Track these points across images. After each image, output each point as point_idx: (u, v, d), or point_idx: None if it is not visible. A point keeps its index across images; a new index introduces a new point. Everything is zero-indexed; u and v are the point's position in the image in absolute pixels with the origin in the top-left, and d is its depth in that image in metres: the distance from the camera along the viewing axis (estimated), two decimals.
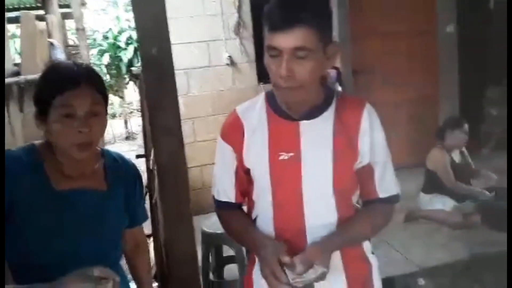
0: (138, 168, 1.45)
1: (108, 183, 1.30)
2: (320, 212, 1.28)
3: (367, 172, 1.31)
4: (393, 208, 1.38)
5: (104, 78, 9.27)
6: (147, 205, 2.37)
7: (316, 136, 1.27)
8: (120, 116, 10.70)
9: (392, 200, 1.35)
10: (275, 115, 1.30)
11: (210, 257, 2.86)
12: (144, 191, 1.80)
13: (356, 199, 1.37)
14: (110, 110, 10.74)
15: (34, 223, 1.17)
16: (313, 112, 1.27)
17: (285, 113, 1.28)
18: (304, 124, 1.27)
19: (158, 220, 2.64)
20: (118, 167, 1.35)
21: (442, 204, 3.58)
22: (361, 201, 1.38)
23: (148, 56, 2.12)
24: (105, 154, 1.35)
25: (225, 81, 4.25)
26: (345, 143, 1.26)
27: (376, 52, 4.48)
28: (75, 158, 1.19)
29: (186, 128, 4.00)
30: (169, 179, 2.20)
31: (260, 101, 1.35)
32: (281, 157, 1.27)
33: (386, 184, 1.33)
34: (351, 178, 1.31)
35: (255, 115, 1.32)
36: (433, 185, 3.67)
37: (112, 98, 10.16)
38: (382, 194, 1.33)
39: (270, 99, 1.32)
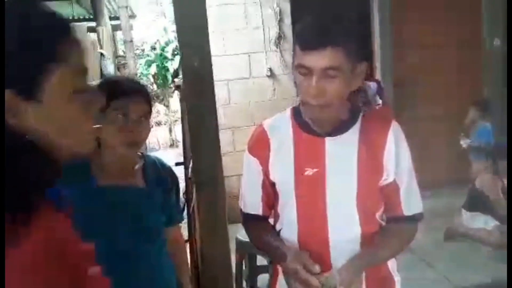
0: (177, 175, 1.57)
1: (146, 182, 1.43)
2: (343, 228, 1.29)
3: (392, 189, 1.30)
4: (417, 226, 1.37)
5: (151, 87, 9.61)
6: (185, 212, 2.44)
7: (341, 152, 1.28)
8: (165, 124, 11.01)
9: (417, 218, 1.34)
10: (301, 130, 1.32)
11: (244, 265, 2.89)
12: (182, 198, 1.89)
13: (381, 215, 1.37)
14: (155, 118, 11.08)
15: (79, 217, 1.27)
16: (339, 128, 1.28)
17: (311, 128, 1.30)
18: (329, 140, 1.28)
19: (195, 227, 2.71)
20: (156, 168, 1.48)
21: (484, 222, 3.46)
22: (385, 217, 1.38)
23: (189, 68, 2.19)
24: (145, 156, 1.49)
25: (265, 92, 4.31)
26: (370, 160, 1.27)
27: (418, 64, 4.40)
28: (123, 155, 1.34)
29: (225, 137, 4.09)
30: (206, 187, 2.26)
31: (286, 115, 1.37)
32: (306, 173, 1.28)
33: (411, 202, 1.33)
34: (376, 195, 1.31)
35: (281, 129, 1.35)
36: (476, 203, 3.54)
37: (158, 107, 10.49)
38: (407, 212, 1.32)
39: (296, 114, 1.34)
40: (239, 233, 2.84)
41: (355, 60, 1.18)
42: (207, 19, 2.22)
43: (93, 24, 4.95)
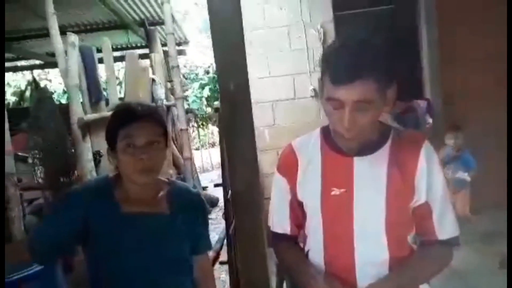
0: (218, 197, 1.54)
1: (171, 210, 1.40)
2: (371, 250, 1.25)
3: (424, 211, 1.25)
4: (452, 250, 1.30)
5: (205, 109, 9.88)
6: (224, 233, 2.46)
7: (370, 173, 1.25)
8: (218, 145, 11.21)
9: (452, 242, 1.28)
10: (330, 150, 1.30)
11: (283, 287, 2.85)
12: (218, 220, 1.90)
13: (413, 239, 1.32)
14: (209, 140, 11.33)
15: (105, 243, 1.32)
16: (368, 149, 1.25)
17: (339, 148, 1.28)
18: (357, 160, 1.25)
19: (235, 249, 2.72)
20: (182, 196, 1.45)
21: None
22: (418, 241, 1.32)
23: (226, 91, 2.23)
24: (171, 184, 1.47)
25: (309, 113, 4.29)
26: (400, 181, 1.23)
27: (468, 79, 4.20)
28: (138, 183, 1.32)
29: (270, 158, 4.10)
30: (244, 209, 2.26)
31: (315, 135, 1.36)
32: (333, 193, 1.26)
33: (446, 224, 1.26)
34: (406, 217, 1.27)
35: (310, 149, 1.33)
36: None
37: (211, 128, 10.73)
38: (441, 236, 1.26)
39: (326, 134, 1.33)
40: None
41: (385, 87, 1.16)
42: (244, 43, 2.25)
43: (147, 51, 5.22)
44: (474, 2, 4.14)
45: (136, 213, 1.34)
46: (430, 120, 3.90)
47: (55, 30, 3.11)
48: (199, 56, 10.54)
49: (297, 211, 1.37)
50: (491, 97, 4.20)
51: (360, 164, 1.25)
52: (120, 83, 6.41)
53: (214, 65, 9.40)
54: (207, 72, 9.61)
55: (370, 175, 1.24)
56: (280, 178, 1.38)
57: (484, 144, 4.13)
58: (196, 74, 9.61)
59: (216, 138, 11.33)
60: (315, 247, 1.33)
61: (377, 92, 1.13)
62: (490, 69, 4.18)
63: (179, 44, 6.58)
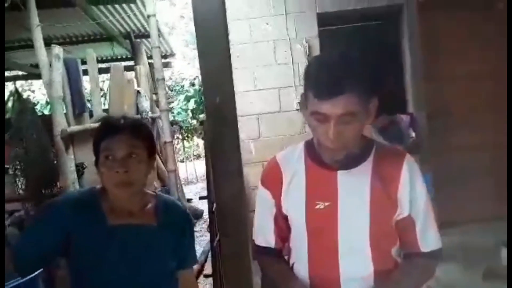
0: (202, 209, 1.54)
1: (157, 223, 1.40)
2: (355, 264, 1.26)
3: (407, 224, 1.27)
4: (436, 263, 1.32)
5: (190, 121, 9.87)
6: (208, 246, 2.45)
7: (354, 186, 1.26)
8: (203, 158, 11.19)
9: (435, 254, 1.29)
10: (313, 163, 1.31)
11: None
12: (203, 233, 1.88)
13: (397, 252, 1.33)
14: (194, 152, 11.30)
15: (90, 254, 1.30)
16: (351, 162, 1.27)
17: (323, 162, 1.29)
18: (341, 174, 1.27)
19: (220, 262, 2.71)
20: (169, 210, 1.45)
21: None
22: (402, 254, 1.34)
23: (211, 105, 2.24)
24: (158, 197, 1.46)
25: (294, 126, 4.32)
26: (383, 194, 1.25)
27: (452, 95, 4.29)
28: (117, 197, 1.32)
29: (255, 171, 4.10)
30: (229, 221, 2.26)
31: (299, 148, 1.38)
32: (317, 206, 1.27)
33: (429, 237, 1.28)
34: (389, 230, 1.28)
35: (294, 162, 1.34)
36: None
37: (197, 141, 10.70)
38: (424, 248, 1.28)
39: (309, 148, 1.34)
40: None
41: (367, 100, 1.19)
42: (230, 58, 2.27)
43: (132, 63, 5.22)
44: (460, 20, 4.25)
45: (123, 225, 1.33)
46: (413, 134, 3.95)
47: (39, 43, 3.09)
48: (185, 68, 10.57)
49: (282, 224, 1.37)
50: (476, 115, 4.30)
51: (344, 178, 1.27)
52: (104, 95, 6.38)
53: (199, 77, 9.45)
54: (193, 84, 9.64)
55: (353, 188, 1.26)
56: (264, 191, 1.39)
57: (466, 162, 4.22)
58: (182, 86, 9.62)
59: (201, 150, 11.31)
60: (299, 260, 1.34)
61: (360, 105, 1.16)
62: (476, 87, 4.28)
63: (165, 56, 6.60)
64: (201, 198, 2.64)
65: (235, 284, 2.29)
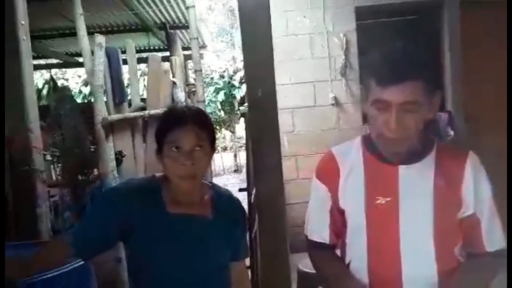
0: (241, 201, 1.55)
1: (213, 213, 1.41)
2: (418, 262, 1.23)
3: (472, 222, 1.24)
4: (501, 262, 1.29)
5: (218, 113, 9.92)
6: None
7: (416, 181, 1.24)
8: (230, 150, 11.26)
9: (500, 254, 1.26)
10: (373, 158, 1.29)
11: None
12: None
13: (460, 251, 1.30)
14: (221, 144, 11.36)
15: (149, 241, 1.33)
16: (413, 157, 1.25)
17: (383, 156, 1.27)
18: (403, 169, 1.24)
19: (256, 253, 2.72)
20: (224, 201, 1.46)
21: None
22: (465, 253, 1.30)
23: (253, 97, 2.26)
24: (214, 188, 1.47)
25: (329, 121, 4.30)
26: (447, 191, 1.22)
27: (491, 97, 4.18)
28: (181, 188, 1.33)
29: (289, 165, 4.10)
30: (268, 214, 2.28)
31: (356, 143, 1.36)
32: (378, 201, 1.25)
33: (494, 236, 1.25)
34: (453, 228, 1.25)
35: (351, 157, 1.33)
36: None
37: (224, 132, 10.77)
38: (489, 248, 1.25)
39: (367, 143, 1.32)
40: (300, 263, 2.81)
41: (431, 91, 1.18)
42: (272, 51, 2.28)
43: (167, 53, 5.26)
44: (499, 22, 4.13)
45: (181, 214, 1.35)
46: (452, 133, 3.87)
47: (82, 31, 3.13)
48: (214, 61, 10.61)
49: (337, 219, 1.35)
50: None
51: (406, 173, 1.24)
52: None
53: (228, 70, 9.51)
54: (222, 77, 9.69)
55: (416, 184, 1.23)
56: (320, 186, 1.37)
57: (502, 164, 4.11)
58: (212, 78, 9.69)
59: (228, 143, 11.37)
60: (357, 256, 1.31)
61: (424, 95, 1.14)
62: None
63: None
64: (240, 190, 2.66)
65: (271, 276, 2.30)
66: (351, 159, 1.32)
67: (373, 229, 1.27)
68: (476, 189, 1.23)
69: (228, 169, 10.69)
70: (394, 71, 1.13)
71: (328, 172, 1.35)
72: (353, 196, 1.29)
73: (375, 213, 1.26)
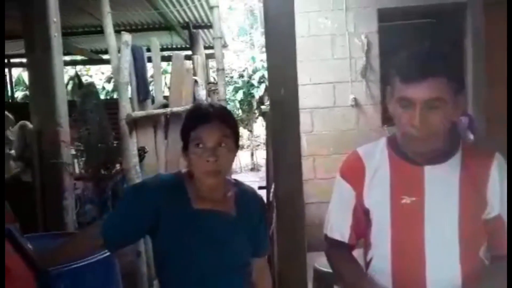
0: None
1: (237, 210, 1.43)
2: (443, 263, 1.23)
3: (497, 224, 1.24)
4: None
5: (237, 112, 9.98)
6: None
7: (442, 182, 1.24)
8: (247, 148, 11.31)
9: None
10: (398, 158, 1.30)
11: None
12: None
13: (484, 253, 1.30)
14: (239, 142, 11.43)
15: (174, 236, 1.37)
16: (439, 157, 1.25)
17: (408, 156, 1.28)
18: (428, 169, 1.25)
19: (273, 251, 2.76)
20: (248, 198, 1.48)
21: None
22: (490, 255, 1.30)
23: (276, 97, 2.29)
24: (238, 184, 1.50)
25: (348, 122, 4.31)
26: (472, 191, 1.23)
27: None
28: (205, 184, 1.36)
29: (307, 164, 4.12)
30: (286, 212, 2.30)
31: (381, 143, 1.37)
32: (403, 201, 1.25)
33: None
34: (478, 229, 1.25)
35: (376, 157, 1.34)
36: None
37: (242, 131, 10.82)
38: None
39: (393, 144, 1.33)
40: (317, 262, 2.83)
41: (456, 90, 1.18)
42: (295, 51, 2.30)
43: (189, 52, 5.33)
44: None
45: (206, 210, 1.38)
46: (472, 136, 3.84)
47: (109, 29, 3.21)
48: (234, 60, 10.68)
49: (361, 219, 1.36)
50: None
51: (432, 173, 1.25)
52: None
53: (248, 69, 9.52)
54: (241, 76, 9.75)
55: (442, 184, 1.24)
56: (344, 184, 1.38)
57: None
58: (231, 77, 9.76)
59: (245, 141, 11.41)
60: (380, 255, 1.32)
61: (448, 92, 1.16)
62: None
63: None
64: (260, 188, 2.70)
65: (288, 273, 2.33)
66: (377, 159, 1.33)
67: (397, 229, 1.27)
68: (502, 190, 1.23)
69: (245, 167, 10.75)
70: (417, 68, 1.15)
71: (354, 171, 1.36)
72: (378, 196, 1.30)
73: (400, 213, 1.26)
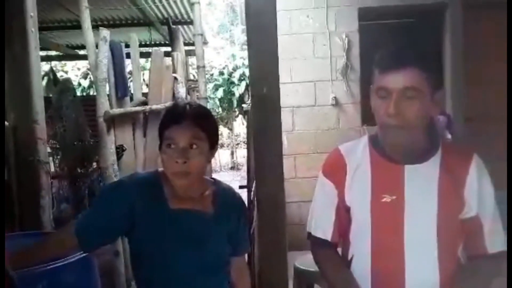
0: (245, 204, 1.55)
1: (215, 209, 1.42)
2: (421, 262, 1.25)
3: (474, 224, 1.26)
4: (502, 265, 1.30)
5: (217, 110, 9.92)
6: None
7: (421, 181, 1.25)
8: (227, 147, 11.27)
9: (501, 256, 1.28)
10: (379, 156, 1.31)
11: None
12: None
13: (461, 253, 1.32)
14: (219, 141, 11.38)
15: (150, 235, 1.34)
16: (419, 157, 1.26)
17: (389, 155, 1.29)
18: (408, 168, 1.26)
19: (254, 250, 2.75)
20: (226, 197, 1.46)
21: None
22: (466, 255, 1.32)
23: (258, 95, 2.27)
24: (216, 184, 1.48)
25: (329, 121, 4.33)
26: (451, 191, 1.24)
27: (492, 100, 4.22)
28: (176, 185, 1.34)
29: (287, 163, 4.11)
30: (267, 211, 2.29)
31: (363, 142, 1.38)
32: (383, 199, 1.27)
33: (496, 238, 1.27)
34: (456, 229, 1.27)
35: (358, 154, 1.35)
36: None
37: (222, 129, 10.77)
38: (491, 250, 1.27)
39: (374, 142, 1.34)
40: (297, 261, 2.83)
41: (433, 85, 1.20)
42: (277, 48, 2.29)
43: (168, 49, 5.26)
44: (502, 23, 4.16)
45: (182, 210, 1.36)
46: (449, 136, 3.90)
47: (87, 24, 3.13)
48: (214, 57, 10.62)
49: (343, 217, 1.36)
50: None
51: (411, 172, 1.26)
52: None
53: (229, 66, 9.46)
54: (222, 74, 9.69)
55: (421, 183, 1.25)
56: (326, 183, 1.38)
57: (501, 169, 4.15)
58: (211, 75, 9.70)
59: (225, 140, 11.37)
60: (360, 253, 1.33)
61: (425, 84, 1.18)
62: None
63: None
64: (240, 187, 2.68)
65: (269, 272, 2.32)
66: (358, 157, 1.34)
67: (377, 226, 1.28)
68: (479, 191, 1.25)
69: (225, 166, 10.71)
70: (394, 59, 1.19)
71: (336, 169, 1.37)
72: (359, 194, 1.31)
73: (380, 211, 1.28)
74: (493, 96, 4.23)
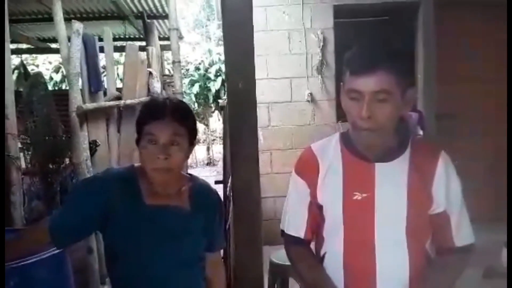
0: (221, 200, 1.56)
1: (191, 204, 1.42)
2: (391, 256, 1.28)
3: (442, 219, 1.30)
4: (469, 257, 1.35)
5: (193, 106, 9.86)
6: None
7: (391, 179, 1.28)
8: (203, 143, 11.21)
9: (469, 249, 1.33)
10: (350, 155, 1.33)
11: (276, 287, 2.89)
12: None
13: (430, 246, 1.35)
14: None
15: (125, 231, 1.33)
16: (389, 155, 1.29)
17: (360, 153, 1.31)
18: (379, 166, 1.28)
19: (230, 245, 2.75)
20: (203, 193, 1.47)
21: None
22: (435, 249, 1.36)
23: (234, 90, 2.26)
24: (193, 179, 1.48)
25: (304, 117, 4.36)
26: (419, 188, 1.27)
27: (462, 97, 4.33)
28: (156, 180, 1.33)
29: (263, 159, 4.14)
30: (243, 205, 2.30)
31: (334, 139, 1.39)
32: (355, 197, 1.29)
33: (463, 232, 1.32)
34: (425, 224, 1.30)
35: (330, 153, 1.36)
36: None
37: (198, 125, 10.71)
38: (459, 243, 1.31)
39: (345, 140, 1.36)
40: (273, 255, 2.86)
41: (404, 85, 1.21)
42: (253, 44, 2.29)
43: (143, 43, 5.19)
44: (473, 28, 4.27)
45: (158, 205, 1.36)
46: (421, 132, 3.99)
47: (59, 17, 3.07)
48: (190, 53, 10.54)
49: (316, 215, 1.38)
50: (485, 118, 4.33)
51: (382, 170, 1.28)
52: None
53: (205, 62, 9.39)
54: (198, 69, 9.63)
55: (391, 181, 1.28)
56: (299, 181, 1.39)
57: (470, 164, 4.27)
58: (187, 70, 9.62)
59: (202, 135, 11.31)
60: (333, 250, 1.35)
61: (396, 85, 1.18)
62: (486, 91, 4.31)
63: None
64: (216, 182, 2.68)
65: (244, 267, 2.33)
66: (330, 155, 1.35)
67: (349, 224, 1.30)
68: (447, 187, 1.28)
69: (201, 161, 10.67)
70: (366, 61, 1.17)
71: (308, 168, 1.38)
72: (331, 192, 1.32)
73: (352, 209, 1.30)
74: (464, 94, 4.35)
